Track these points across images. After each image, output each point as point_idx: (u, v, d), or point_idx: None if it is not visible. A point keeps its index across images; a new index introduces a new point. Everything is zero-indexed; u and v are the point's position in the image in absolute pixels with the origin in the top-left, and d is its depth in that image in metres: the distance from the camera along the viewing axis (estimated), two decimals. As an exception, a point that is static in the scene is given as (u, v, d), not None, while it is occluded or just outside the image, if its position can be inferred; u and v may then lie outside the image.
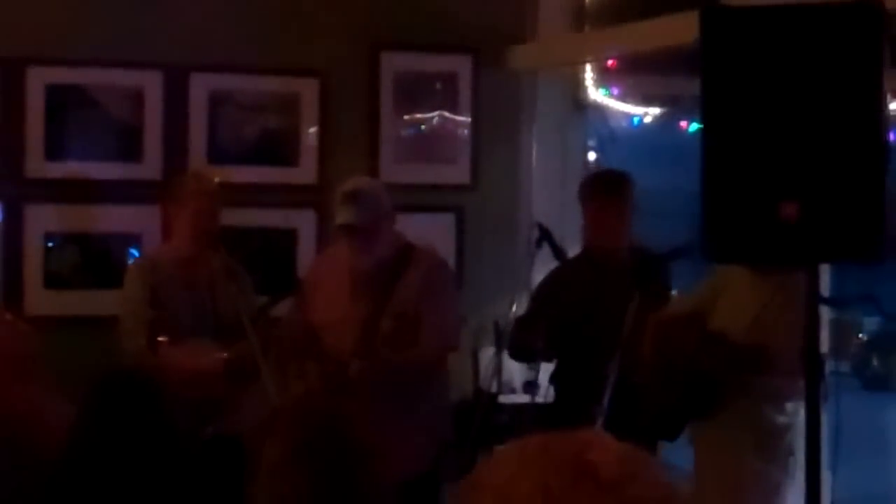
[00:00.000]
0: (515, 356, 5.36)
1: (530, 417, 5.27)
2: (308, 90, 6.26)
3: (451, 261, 6.13)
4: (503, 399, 5.85)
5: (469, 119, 6.49)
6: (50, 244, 5.95)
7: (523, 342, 5.07)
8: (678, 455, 4.76)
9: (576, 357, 5.07)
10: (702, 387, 4.41)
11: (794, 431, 4.42)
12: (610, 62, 6.60)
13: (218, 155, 6.10)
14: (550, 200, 6.33)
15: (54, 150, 5.92)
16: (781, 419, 4.41)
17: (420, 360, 4.84)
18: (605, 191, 5.18)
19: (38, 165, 5.90)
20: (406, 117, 6.44)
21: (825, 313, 4.86)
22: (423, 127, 6.47)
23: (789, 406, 4.41)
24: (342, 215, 4.85)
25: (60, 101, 5.93)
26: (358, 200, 4.82)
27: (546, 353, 4.90)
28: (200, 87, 6.10)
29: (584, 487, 1.36)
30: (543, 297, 5.20)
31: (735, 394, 4.38)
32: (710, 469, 4.55)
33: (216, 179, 5.35)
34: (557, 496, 1.35)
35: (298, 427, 2.75)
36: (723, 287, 4.59)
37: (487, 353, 5.74)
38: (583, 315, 4.95)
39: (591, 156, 6.77)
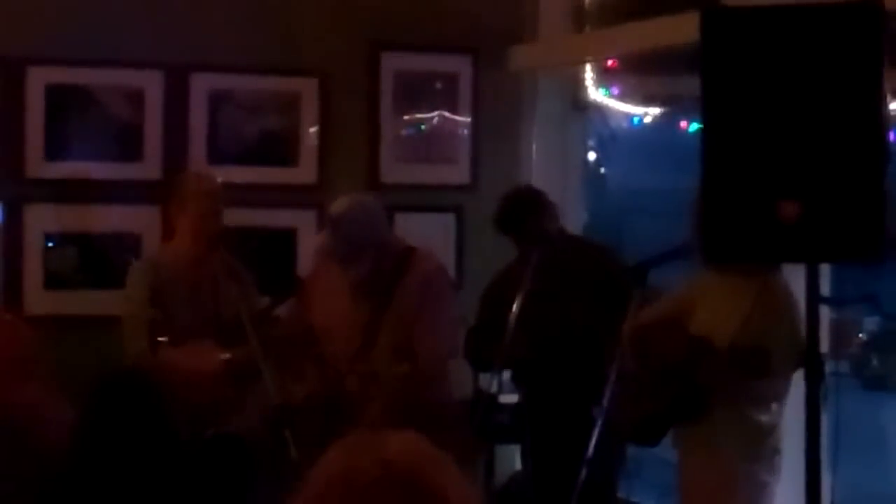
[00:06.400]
0: (474, 366, 5.45)
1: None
2: (308, 90, 6.26)
3: (451, 261, 6.14)
4: (503, 399, 5.85)
5: (469, 119, 6.50)
6: (50, 244, 5.95)
7: (478, 352, 5.15)
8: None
9: (532, 351, 5.11)
10: (691, 392, 4.41)
11: (779, 431, 4.43)
12: (610, 62, 6.60)
13: (218, 155, 6.11)
14: (550, 200, 6.32)
15: (54, 150, 5.92)
16: (767, 419, 4.42)
17: (419, 375, 4.81)
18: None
19: (38, 165, 5.90)
20: (406, 117, 6.44)
21: (825, 313, 4.86)
22: (423, 127, 6.48)
23: (774, 406, 4.42)
24: (323, 238, 4.90)
25: (60, 101, 5.92)
26: (336, 229, 4.81)
27: (503, 360, 4.91)
28: (200, 87, 6.10)
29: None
30: (489, 304, 5.26)
31: (721, 396, 4.38)
32: (696, 471, 4.55)
33: (218, 179, 5.36)
34: None
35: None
36: (698, 294, 4.59)
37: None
38: (532, 310, 4.95)
39: (591, 156, 6.78)
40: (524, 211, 5.29)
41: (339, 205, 4.88)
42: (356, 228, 4.81)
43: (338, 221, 4.81)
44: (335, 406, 4.72)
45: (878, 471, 9.77)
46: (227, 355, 4.95)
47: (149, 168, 6.02)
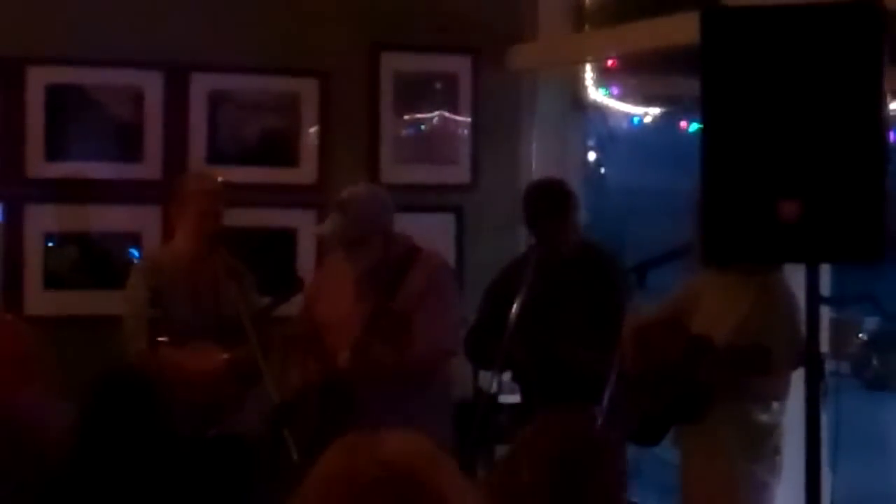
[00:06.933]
0: (475, 364, 5.43)
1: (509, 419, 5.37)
2: (308, 90, 6.26)
3: (451, 261, 6.13)
4: (503, 399, 5.85)
5: (469, 119, 6.49)
6: (50, 244, 5.95)
7: (479, 350, 5.14)
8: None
9: (533, 354, 5.12)
10: (692, 392, 4.41)
11: (780, 430, 4.44)
12: (610, 62, 6.60)
13: (218, 155, 6.11)
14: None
15: (54, 150, 5.92)
16: (767, 419, 4.42)
17: (414, 363, 4.82)
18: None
19: (38, 165, 5.90)
20: (406, 117, 6.44)
21: (825, 313, 4.86)
22: (423, 127, 6.47)
23: (775, 405, 4.42)
24: (326, 224, 4.90)
25: (60, 101, 5.92)
26: (342, 211, 4.84)
27: (504, 360, 4.90)
28: (200, 87, 6.10)
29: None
30: (492, 301, 5.26)
31: (722, 395, 4.38)
32: (697, 471, 4.55)
33: (219, 179, 5.36)
34: None
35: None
36: (699, 294, 4.59)
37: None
38: (532, 311, 4.95)
39: (591, 156, 6.77)
40: (558, 208, 5.23)
41: (348, 190, 4.94)
42: (364, 211, 4.84)
43: (347, 203, 4.85)
44: (331, 394, 4.73)
45: (878, 471, 9.78)
46: (226, 355, 4.95)
47: (149, 168, 6.02)
